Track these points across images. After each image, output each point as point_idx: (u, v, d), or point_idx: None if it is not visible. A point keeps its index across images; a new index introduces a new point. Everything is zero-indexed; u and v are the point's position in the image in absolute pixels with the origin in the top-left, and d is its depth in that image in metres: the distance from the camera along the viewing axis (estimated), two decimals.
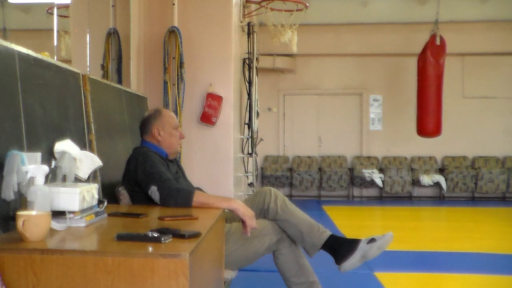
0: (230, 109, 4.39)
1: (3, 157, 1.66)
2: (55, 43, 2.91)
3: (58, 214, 1.66)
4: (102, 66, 3.50)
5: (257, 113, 5.58)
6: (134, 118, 3.37)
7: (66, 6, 3.19)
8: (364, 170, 9.53)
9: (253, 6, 5.64)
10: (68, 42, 3.07)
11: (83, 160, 2.10)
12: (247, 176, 5.62)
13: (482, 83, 9.73)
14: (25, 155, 1.67)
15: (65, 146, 2.04)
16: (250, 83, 5.35)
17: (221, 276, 2.22)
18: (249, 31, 5.30)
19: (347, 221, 7.04)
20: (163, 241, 1.45)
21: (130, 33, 3.80)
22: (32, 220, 1.45)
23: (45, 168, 1.66)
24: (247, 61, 5.39)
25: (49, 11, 2.97)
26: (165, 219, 1.90)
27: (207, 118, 4.30)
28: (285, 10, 5.48)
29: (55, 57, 2.73)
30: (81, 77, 2.57)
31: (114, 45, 3.60)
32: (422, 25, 9.04)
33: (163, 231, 1.56)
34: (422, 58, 8.07)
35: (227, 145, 4.39)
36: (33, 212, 1.51)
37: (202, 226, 1.78)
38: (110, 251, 1.38)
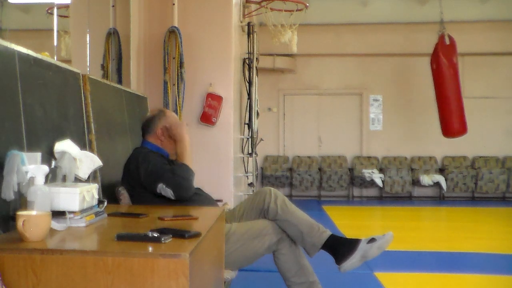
0: (230, 109, 4.39)
1: (3, 157, 1.66)
2: (55, 43, 2.91)
3: (58, 214, 1.66)
4: (102, 66, 3.50)
5: (257, 113, 5.58)
6: (134, 118, 3.37)
7: (66, 6, 3.19)
8: (364, 170, 9.53)
9: (253, 6, 5.64)
10: (68, 42, 3.07)
11: (83, 160, 2.10)
12: (247, 176, 5.62)
13: (482, 83, 9.73)
14: (25, 155, 1.67)
15: (65, 146, 2.04)
16: (250, 83, 5.35)
17: (221, 276, 2.22)
18: (249, 31, 5.30)
19: (347, 221, 7.04)
20: (163, 241, 1.45)
21: (130, 33, 3.80)
22: (32, 220, 1.45)
23: (45, 168, 1.66)
24: (247, 61, 5.39)
25: (49, 11, 2.98)
26: (165, 219, 1.90)
27: (207, 118, 4.30)
28: (285, 10, 5.48)
29: (55, 57, 2.73)
30: (81, 77, 2.57)
31: (114, 45, 3.60)
32: (423, 25, 9.05)
33: (163, 231, 1.56)
34: (434, 59, 8.01)
35: (227, 145, 4.39)
36: (33, 212, 1.51)
37: (202, 226, 1.78)
38: (110, 251, 1.38)
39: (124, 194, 2.54)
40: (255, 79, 5.44)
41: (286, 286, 2.71)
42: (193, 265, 1.39)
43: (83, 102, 2.56)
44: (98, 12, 3.62)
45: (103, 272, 1.34)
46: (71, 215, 1.69)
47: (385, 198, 9.62)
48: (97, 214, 1.84)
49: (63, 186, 1.77)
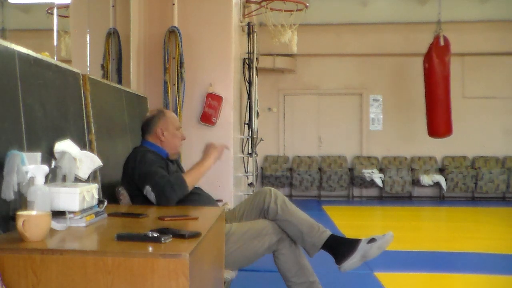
0: (230, 109, 4.39)
1: (3, 157, 1.66)
2: (55, 43, 2.91)
3: (58, 214, 1.66)
4: (102, 66, 3.50)
5: (257, 113, 5.58)
6: (134, 118, 3.37)
7: (66, 6, 3.19)
8: (364, 170, 9.53)
9: (253, 6, 5.64)
10: (68, 42, 3.07)
11: (83, 160, 2.10)
12: (247, 176, 5.62)
13: (482, 83, 9.73)
14: (25, 155, 1.67)
15: (65, 146, 2.04)
16: (250, 83, 5.35)
17: (221, 276, 2.22)
18: (249, 31, 5.29)
19: (347, 221, 7.04)
20: (163, 241, 1.45)
21: (130, 33, 3.80)
22: (32, 220, 1.45)
23: (45, 168, 1.66)
24: (247, 61, 5.39)
25: (49, 11, 2.98)
26: (165, 219, 1.90)
27: (207, 118, 4.30)
28: (285, 10, 5.48)
29: (55, 57, 2.73)
30: (81, 77, 2.57)
31: (114, 45, 3.60)
32: (422, 25, 9.04)
33: (163, 231, 1.56)
34: (427, 59, 8.03)
35: (227, 145, 4.38)
36: (33, 212, 1.51)
37: (202, 226, 1.78)
38: (110, 251, 1.38)
39: (124, 194, 2.54)
40: (255, 79, 5.44)
41: (286, 286, 2.71)
42: (193, 265, 1.39)
43: (83, 102, 2.56)
44: (98, 12, 3.62)
45: (103, 272, 1.34)
46: (71, 215, 1.69)
47: (385, 198, 9.62)
48: (97, 214, 1.84)
49: (63, 186, 1.77)
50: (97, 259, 1.35)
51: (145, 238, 1.47)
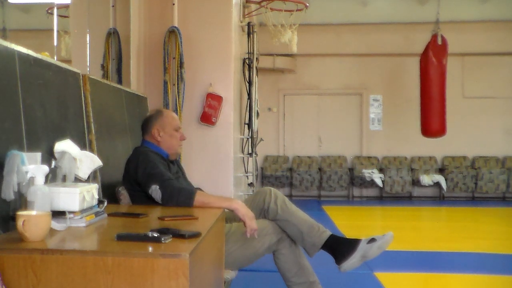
0: (230, 109, 4.39)
1: (3, 157, 1.66)
2: (55, 43, 2.90)
3: (58, 214, 1.66)
4: (102, 66, 3.50)
5: (257, 113, 5.58)
6: (134, 118, 3.37)
7: (66, 6, 3.19)
8: (364, 170, 9.53)
9: (253, 6, 5.63)
10: (68, 42, 3.07)
11: (83, 160, 2.10)
12: (247, 176, 5.62)
13: (482, 83, 9.73)
14: (25, 155, 1.67)
15: (65, 146, 2.04)
16: (250, 83, 5.35)
17: (221, 276, 2.22)
18: (249, 31, 5.29)
19: (347, 221, 7.04)
20: (163, 241, 1.45)
21: (130, 33, 3.80)
22: (32, 220, 1.45)
23: (45, 168, 1.66)
24: (247, 61, 5.39)
25: (49, 11, 2.97)
26: (165, 219, 1.90)
27: (207, 118, 4.30)
28: (285, 10, 5.48)
29: (55, 57, 2.72)
30: (81, 77, 2.57)
31: (114, 45, 3.60)
32: (422, 25, 9.03)
33: (163, 231, 1.56)
34: (424, 58, 8.04)
35: (227, 145, 4.39)
36: (33, 212, 1.51)
37: (202, 226, 1.78)
38: (110, 251, 1.38)
39: (124, 194, 2.54)
40: (255, 79, 5.44)
41: (286, 286, 2.71)
42: (193, 265, 1.39)
43: (83, 102, 2.56)
44: (98, 12, 3.62)
45: (103, 272, 1.34)
46: (71, 215, 1.69)
47: (385, 198, 9.62)
48: (97, 214, 1.84)
49: (63, 186, 1.77)
50: (97, 259, 1.35)
51: (145, 238, 1.47)
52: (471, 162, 9.81)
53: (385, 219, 8.04)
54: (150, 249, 1.40)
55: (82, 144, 2.41)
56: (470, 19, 9.35)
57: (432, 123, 8.01)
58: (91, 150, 2.52)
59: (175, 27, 4.03)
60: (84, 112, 2.55)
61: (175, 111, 3.97)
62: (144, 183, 2.42)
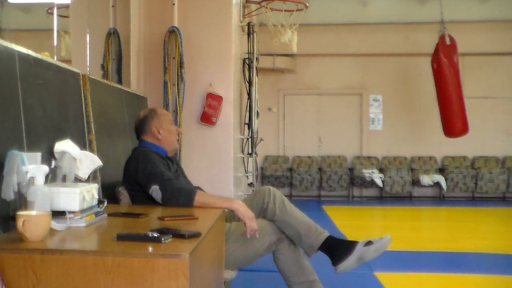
0: (230, 109, 4.39)
1: (3, 157, 1.66)
2: (55, 43, 2.91)
3: (58, 214, 1.66)
4: (102, 66, 3.50)
5: (257, 113, 5.58)
6: (134, 118, 3.37)
7: (66, 6, 3.19)
8: (364, 170, 9.53)
9: (253, 6, 5.63)
10: (68, 42, 3.07)
11: (83, 160, 2.10)
12: (247, 176, 5.62)
13: (482, 83, 9.72)
14: (25, 155, 1.67)
15: (65, 146, 2.04)
16: (250, 83, 5.35)
17: (221, 276, 2.22)
18: (249, 31, 5.29)
19: (347, 221, 7.04)
20: (163, 241, 1.45)
21: (130, 33, 3.80)
22: (32, 220, 1.45)
23: (45, 168, 1.66)
24: (247, 61, 5.39)
25: (49, 11, 2.97)
26: (165, 219, 1.90)
27: (207, 118, 4.30)
28: (285, 10, 5.48)
29: (55, 57, 2.73)
30: (81, 77, 2.56)
31: (114, 45, 3.60)
32: (422, 25, 9.05)
33: (163, 231, 1.56)
34: (435, 59, 8.02)
35: (227, 145, 4.39)
36: (33, 212, 1.51)
37: (202, 226, 1.78)
38: (110, 251, 1.38)
39: (124, 194, 2.54)
40: (255, 79, 5.44)
41: (286, 286, 2.71)
42: (193, 265, 1.39)
43: (83, 102, 2.56)
44: (98, 12, 3.62)
45: (103, 272, 1.34)
46: (71, 215, 1.69)
47: (385, 198, 9.62)
48: (97, 214, 1.84)
49: (63, 186, 1.77)
50: (97, 259, 1.35)
51: (145, 238, 1.47)
52: (471, 162, 9.80)
53: (385, 219, 8.04)
54: (150, 249, 1.40)
55: (82, 144, 2.41)
56: (470, 19, 9.35)
57: (455, 123, 8.02)
58: (91, 150, 2.52)
59: (175, 27, 4.03)
60: (84, 112, 2.55)
61: (175, 111, 3.97)
62: (144, 183, 2.42)
